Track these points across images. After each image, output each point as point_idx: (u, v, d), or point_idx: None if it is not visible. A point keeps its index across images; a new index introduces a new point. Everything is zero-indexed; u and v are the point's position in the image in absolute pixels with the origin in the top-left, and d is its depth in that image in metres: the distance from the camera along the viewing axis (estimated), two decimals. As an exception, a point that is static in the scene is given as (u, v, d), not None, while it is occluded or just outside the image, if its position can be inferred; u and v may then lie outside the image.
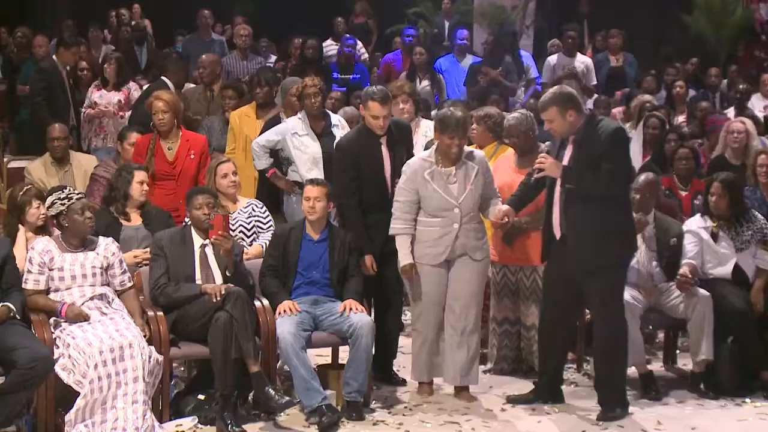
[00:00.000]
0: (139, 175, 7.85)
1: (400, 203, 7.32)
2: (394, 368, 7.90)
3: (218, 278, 7.24)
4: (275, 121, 9.35)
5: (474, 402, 7.41)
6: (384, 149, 7.65)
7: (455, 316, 7.32)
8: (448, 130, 7.19)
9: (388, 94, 7.66)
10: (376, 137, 7.64)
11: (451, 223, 7.25)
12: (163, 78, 10.96)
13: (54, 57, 11.54)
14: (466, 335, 7.32)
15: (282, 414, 7.01)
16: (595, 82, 13.40)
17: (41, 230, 7.38)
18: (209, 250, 7.30)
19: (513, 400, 7.42)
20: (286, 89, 9.58)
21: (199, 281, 7.20)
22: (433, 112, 10.37)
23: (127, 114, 11.18)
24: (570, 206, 6.98)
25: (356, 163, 7.61)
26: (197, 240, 7.31)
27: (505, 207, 7.25)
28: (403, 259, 7.31)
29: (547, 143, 7.23)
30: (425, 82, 12.70)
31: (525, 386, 7.65)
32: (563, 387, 7.50)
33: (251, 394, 7.04)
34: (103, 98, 11.49)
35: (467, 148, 7.40)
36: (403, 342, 8.11)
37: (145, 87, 11.37)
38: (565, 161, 7.01)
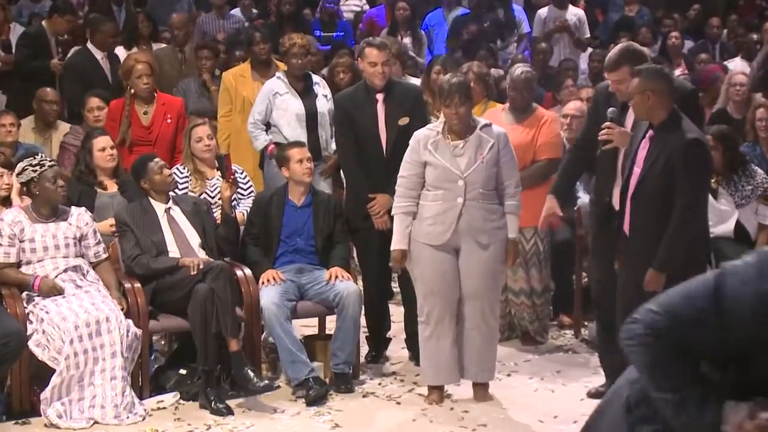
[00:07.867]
0: (100, 142, 7.55)
1: (404, 179, 6.63)
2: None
3: (193, 239, 7.05)
4: None
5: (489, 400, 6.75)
6: (380, 106, 7.25)
7: (466, 311, 6.60)
8: (441, 97, 6.59)
9: (386, 43, 7.47)
10: (372, 93, 7.27)
11: (455, 197, 6.48)
12: (87, 46, 10.35)
13: (43, 23, 11.03)
14: (478, 330, 6.62)
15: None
16: (588, 35, 13.06)
17: (4, 201, 7.10)
18: (175, 213, 7.11)
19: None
20: None
21: (173, 246, 7.00)
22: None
23: None
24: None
25: (351, 120, 7.28)
26: (159, 206, 7.11)
27: (549, 205, 6.71)
28: (396, 243, 6.60)
29: (612, 109, 6.37)
30: (407, 39, 12.29)
31: (518, 355, 7.59)
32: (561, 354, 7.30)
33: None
34: None
35: (484, 120, 6.78)
36: (393, 310, 7.77)
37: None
38: (628, 127, 6.36)
